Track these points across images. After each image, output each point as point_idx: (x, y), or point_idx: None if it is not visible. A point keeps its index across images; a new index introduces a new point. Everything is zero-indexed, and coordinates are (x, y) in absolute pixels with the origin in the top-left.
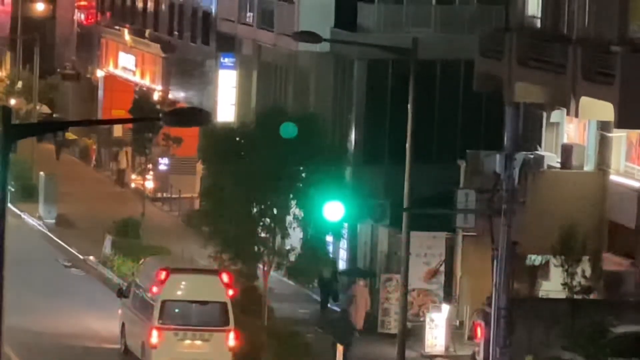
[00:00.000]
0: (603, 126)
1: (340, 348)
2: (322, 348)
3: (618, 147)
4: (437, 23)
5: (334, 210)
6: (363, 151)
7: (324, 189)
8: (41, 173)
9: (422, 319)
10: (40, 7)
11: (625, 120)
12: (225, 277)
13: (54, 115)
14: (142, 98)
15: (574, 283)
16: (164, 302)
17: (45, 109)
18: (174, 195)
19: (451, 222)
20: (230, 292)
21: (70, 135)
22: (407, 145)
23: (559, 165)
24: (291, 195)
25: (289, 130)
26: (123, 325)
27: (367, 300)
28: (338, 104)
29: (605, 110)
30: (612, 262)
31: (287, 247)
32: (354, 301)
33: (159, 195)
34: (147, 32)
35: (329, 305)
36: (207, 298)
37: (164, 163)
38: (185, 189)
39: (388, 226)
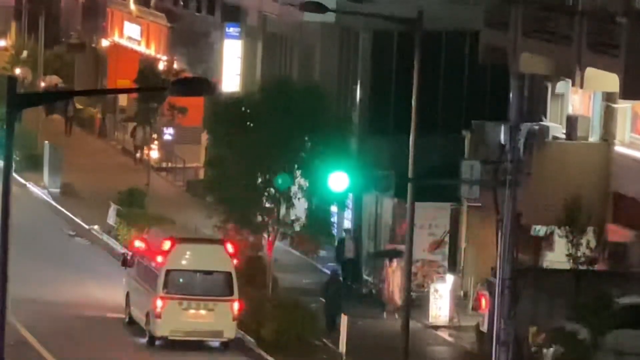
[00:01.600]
0: (608, 97)
1: (344, 318)
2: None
3: (623, 118)
4: None
5: (338, 180)
6: (368, 122)
7: (329, 159)
8: (46, 142)
9: (426, 289)
10: None
11: (630, 91)
12: (230, 247)
13: (59, 85)
14: (147, 68)
15: (579, 254)
16: (168, 272)
17: (55, 80)
18: (178, 165)
19: (456, 193)
20: (235, 261)
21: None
22: (412, 116)
23: (564, 136)
24: (296, 166)
25: (285, 181)
26: (127, 294)
27: (399, 280)
28: (343, 75)
29: (611, 81)
30: (617, 233)
31: (292, 218)
32: (386, 281)
33: (164, 165)
34: (153, 1)
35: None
36: (211, 268)
37: (168, 133)
38: (190, 159)
39: (393, 197)
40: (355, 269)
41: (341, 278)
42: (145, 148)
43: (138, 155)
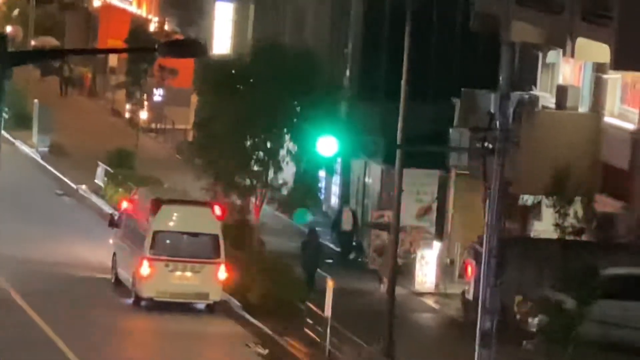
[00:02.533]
0: (599, 68)
1: (330, 282)
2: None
3: (613, 89)
4: None
5: (327, 145)
6: (358, 87)
7: (318, 124)
8: (35, 101)
9: (412, 256)
10: None
11: (621, 61)
12: (217, 210)
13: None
14: (138, 28)
15: (566, 224)
16: (155, 233)
17: (50, 41)
18: (167, 127)
19: (445, 160)
20: (222, 224)
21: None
22: (403, 82)
23: (553, 106)
24: (285, 130)
25: (302, 216)
26: (114, 255)
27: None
28: (335, 40)
29: (602, 51)
30: (605, 204)
31: (280, 181)
32: (384, 252)
33: (153, 126)
34: None
35: (351, 257)
36: (198, 230)
37: (158, 94)
38: (180, 121)
39: (381, 163)
40: (351, 242)
41: (334, 243)
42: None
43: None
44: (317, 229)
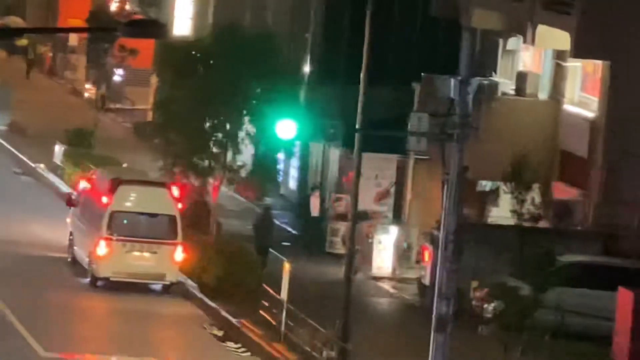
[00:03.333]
0: (559, 55)
1: (286, 265)
2: (271, 264)
3: (573, 77)
4: None
5: (286, 128)
6: (319, 71)
7: (278, 107)
8: None
9: (370, 240)
10: None
11: (581, 49)
12: (175, 190)
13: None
14: (99, 8)
15: (524, 210)
16: (113, 213)
17: (17, 21)
18: (127, 107)
19: (403, 145)
20: (180, 205)
21: (23, 41)
22: (363, 66)
23: (513, 92)
24: (244, 112)
25: None
26: (71, 234)
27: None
28: (296, 23)
29: (562, 39)
30: (562, 191)
31: (239, 163)
32: (358, 250)
33: (113, 106)
34: None
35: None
36: (156, 210)
37: (118, 74)
38: (139, 101)
39: (340, 147)
40: (319, 228)
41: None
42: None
43: (104, 103)
44: (271, 210)
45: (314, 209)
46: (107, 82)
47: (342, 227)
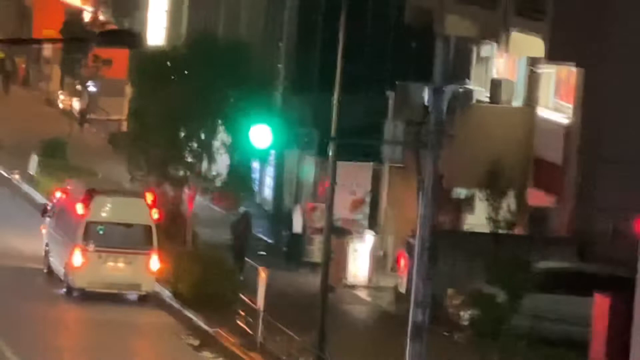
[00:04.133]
0: (533, 62)
1: (262, 274)
2: (247, 273)
3: (547, 83)
4: None
5: (261, 136)
6: (292, 80)
7: (252, 115)
8: None
9: (345, 249)
10: None
11: (555, 53)
12: (149, 197)
13: None
14: (72, 18)
15: (499, 217)
16: (88, 224)
17: None
18: (101, 117)
19: (378, 153)
20: (155, 215)
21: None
22: (337, 74)
23: (488, 99)
24: (219, 121)
25: None
26: (47, 245)
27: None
28: (269, 32)
29: (536, 46)
30: (537, 198)
31: (214, 173)
32: (333, 258)
33: (87, 116)
34: None
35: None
36: (131, 220)
37: (92, 84)
38: (114, 111)
39: (315, 155)
40: (301, 245)
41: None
42: (59, 93)
43: (84, 117)
44: (249, 214)
45: (297, 224)
46: (87, 95)
47: (318, 237)
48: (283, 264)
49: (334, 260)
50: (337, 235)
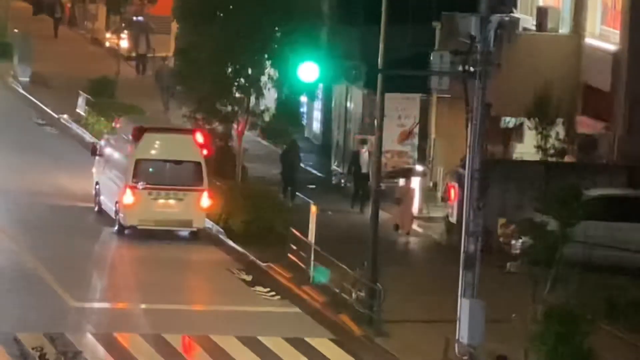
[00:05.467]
0: None
1: (313, 208)
2: (297, 207)
3: (594, 10)
4: None
5: (308, 71)
6: (339, 12)
7: (299, 49)
8: (15, 30)
9: (395, 180)
10: None
11: None
12: (199, 137)
13: None
14: None
15: (548, 146)
16: (138, 161)
17: None
18: (148, 55)
19: (426, 84)
20: (205, 151)
21: None
22: (383, 6)
23: (534, 28)
24: (266, 56)
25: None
26: (97, 184)
27: (413, 202)
28: None
29: None
30: (586, 125)
31: (262, 108)
32: (400, 203)
33: (133, 54)
34: None
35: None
36: (181, 157)
37: (138, 22)
38: (160, 49)
39: (362, 88)
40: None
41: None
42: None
43: (144, 63)
44: (297, 142)
45: (364, 165)
46: (147, 41)
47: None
48: (335, 196)
49: (403, 204)
50: (406, 176)
